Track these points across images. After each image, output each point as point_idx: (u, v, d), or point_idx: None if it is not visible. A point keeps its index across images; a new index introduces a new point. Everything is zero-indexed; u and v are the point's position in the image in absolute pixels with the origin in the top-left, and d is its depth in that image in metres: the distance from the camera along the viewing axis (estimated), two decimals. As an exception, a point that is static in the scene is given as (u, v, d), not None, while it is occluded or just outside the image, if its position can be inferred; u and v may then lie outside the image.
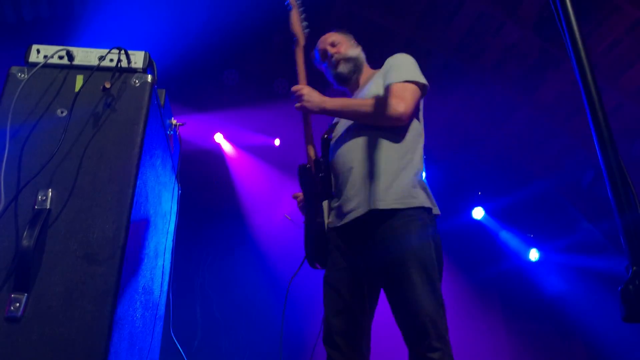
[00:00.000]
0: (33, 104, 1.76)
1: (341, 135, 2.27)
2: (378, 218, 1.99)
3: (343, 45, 2.51)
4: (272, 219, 5.68)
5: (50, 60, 1.82)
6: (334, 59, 2.46)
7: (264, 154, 5.81)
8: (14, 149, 1.67)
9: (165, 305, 2.27)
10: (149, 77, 1.84)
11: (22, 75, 1.79)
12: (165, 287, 2.24)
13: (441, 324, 1.87)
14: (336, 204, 2.17)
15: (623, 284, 0.83)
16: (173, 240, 2.32)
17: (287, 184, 5.82)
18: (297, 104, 2.21)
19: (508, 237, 5.94)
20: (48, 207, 1.61)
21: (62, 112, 1.76)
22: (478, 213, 5.86)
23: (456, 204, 5.78)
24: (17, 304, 1.49)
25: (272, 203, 5.78)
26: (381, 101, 2.10)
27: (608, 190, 0.86)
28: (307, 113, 2.27)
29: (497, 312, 5.75)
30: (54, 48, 1.85)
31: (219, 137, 5.70)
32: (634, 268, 0.82)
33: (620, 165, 0.85)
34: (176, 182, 2.37)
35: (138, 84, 1.82)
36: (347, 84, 2.48)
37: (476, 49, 4.99)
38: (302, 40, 2.43)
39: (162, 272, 2.19)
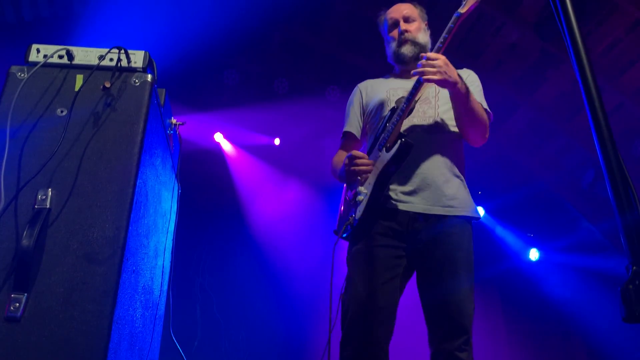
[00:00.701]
0: (33, 104, 1.76)
1: (422, 120, 2.22)
2: (440, 217, 2.11)
3: (416, 26, 2.37)
4: (272, 218, 5.68)
5: (50, 60, 1.82)
6: (403, 36, 2.33)
7: (264, 153, 5.81)
8: (13, 149, 1.67)
9: (165, 305, 2.27)
10: (149, 77, 1.84)
11: (22, 74, 1.79)
12: (165, 287, 2.23)
13: (472, 327, 2.02)
14: (396, 188, 2.15)
15: (623, 284, 0.83)
16: (173, 240, 2.32)
17: (287, 183, 5.82)
18: (434, 76, 1.95)
19: (508, 237, 5.93)
20: (48, 206, 1.61)
21: (62, 112, 1.76)
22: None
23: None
24: (17, 304, 1.49)
25: (272, 202, 5.78)
26: (485, 120, 2.21)
27: (608, 190, 0.86)
28: (438, 85, 2.04)
29: (497, 312, 5.75)
30: (54, 47, 1.85)
31: (218, 137, 5.70)
32: (634, 268, 0.82)
33: (620, 164, 0.85)
34: (176, 181, 2.37)
35: (138, 84, 1.82)
36: (402, 65, 2.39)
37: (476, 49, 4.99)
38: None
39: (162, 271, 2.19)
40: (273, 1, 4.71)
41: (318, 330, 4.99)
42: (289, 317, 5.35)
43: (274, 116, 5.50)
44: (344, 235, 2.20)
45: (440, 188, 2.14)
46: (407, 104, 2.08)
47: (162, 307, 2.23)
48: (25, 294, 1.51)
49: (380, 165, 2.09)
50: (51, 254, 1.56)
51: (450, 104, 2.20)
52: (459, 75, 2.03)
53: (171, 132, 2.26)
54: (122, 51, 1.83)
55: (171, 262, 2.35)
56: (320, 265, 5.47)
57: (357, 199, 2.14)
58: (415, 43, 2.34)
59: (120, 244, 1.59)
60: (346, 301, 2.10)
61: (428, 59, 1.98)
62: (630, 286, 0.81)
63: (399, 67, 2.42)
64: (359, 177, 2.16)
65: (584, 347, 5.47)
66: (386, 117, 2.19)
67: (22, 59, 1.85)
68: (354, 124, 2.47)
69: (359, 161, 2.15)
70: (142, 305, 1.91)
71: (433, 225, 2.11)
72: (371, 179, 2.12)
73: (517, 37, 4.70)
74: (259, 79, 5.54)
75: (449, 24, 2.04)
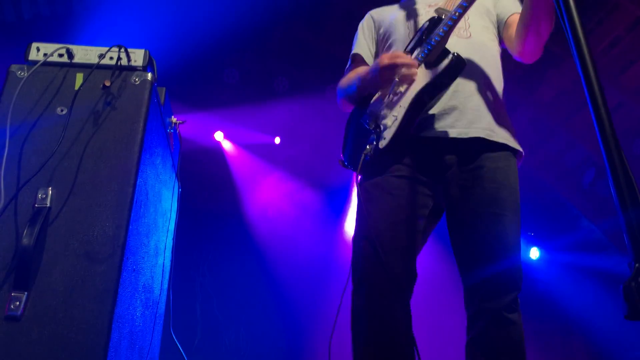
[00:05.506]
0: (33, 102, 1.75)
1: (457, 37, 1.91)
2: (479, 145, 1.79)
3: None
4: (272, 217, 5.68)
5: (50, 58, 1.82)
6: None
7: (264, 152, 5.81)
8: (13, 147, 1.67)
9: (166, 304, 2.27)
10: (149, 75, 1.84)
11: (21, 73, 1.79)
12: (166, 286, 2.23)
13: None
14: (431, 112, 1.81)
15: (626, 281, 0.83)
16: (173, 239, 2.32)
17: (287, 182, 5.82)
18: None
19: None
20: (48, 205, 1.61)
21: (62, 110, 1.75)
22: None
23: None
24: (17, 303, 1.49)
25: (271, 201, 5.79)
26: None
27: (611, 187, 0.85)
28: None
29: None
30: (54, 46, 1.85)
31: (219, 136, 5.70)
32: (637, 265, 0.82)
33: (623, 161, 0.85)
34: (176, 180, 2.36)
35: (138, 82, 1.82)
36: None
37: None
38: None
39: (162, 270, 2.19)
40: (273, 0, 4.71)
41: (317, 328, 4.99)
42: (288, 315, 5.35)
43: (274, 115, 5.50)
44: (360, 167, 1.82)
45: (479, 109, 1.82)
46: (462, 12, 1.73)
47: (162, 305, 2.23)
48: (26, 293, 1.51)
49: (420, 82, 1.74)
50: (51, 252, 1.56)
51: (482, 18, 1.97)
52: None
53: (171, 130, 2.26)
54: (122, 50, 1.83)
55: (171, 260, 2.35)
56: (320, 264, 5.48)
57: (380, 123, 1.80)
58: None
59: (120, 243, 1.59)
60: (357, 241, 1.78)
61: None
62: (633, 283, 0.81)
63: None
64: (397, 83, 1.78)
65: (584, 345, 5.47)
66: (422, 28, 1.84)
67: (22, 57, 1.85)
68: (363, 47, 2.20)
69: (403, 60, 1.74)
70: (143, 304, 1.91)
71: (471, 157, 1.77)
72: (403, 99, 1.76)
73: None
74: (259, 77, 5.54)
75: None
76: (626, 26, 4.24)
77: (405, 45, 1.91)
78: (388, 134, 1.76)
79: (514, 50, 1.97)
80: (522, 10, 1.86)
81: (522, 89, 5.11)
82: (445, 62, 1.70)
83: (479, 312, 1.67)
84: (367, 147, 1.80)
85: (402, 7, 2.18)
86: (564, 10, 0.96)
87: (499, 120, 1.87)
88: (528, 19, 1.80)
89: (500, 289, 1.66)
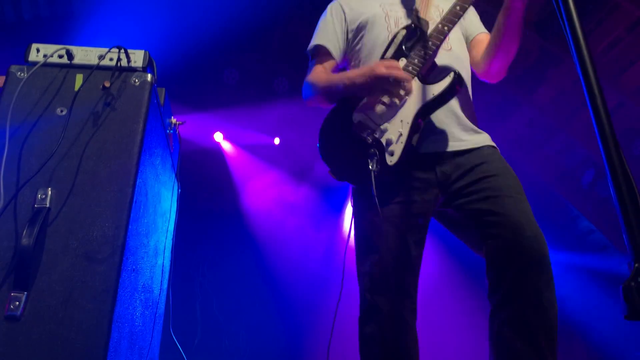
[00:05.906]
0: (33, 103, 1.76)
1: (447, 48, 1.92)
2: (469, 152, 1.81)
3: None
4: (271, 217, 5.68)
5: (50, 59, 1.82)
6: None
7: (264, 152, 5.82)
8: (13, 148, 1.67)
9: (165, 304, 2.27)
10: (149, 76, 1.84)
11: (21, 74, 1.79)
12: (165, 286, 2.23)
13: None
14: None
15: (625, 281, 0.83)
16: (173, 239, 2.32)
17: (286, 182, 5.82)
18: None
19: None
20: (47, 205, 1.61)
21: (61, 111, 1.75)
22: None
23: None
24: (17, 303, 1.49)
25: (271, 202, 5.79)
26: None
27: (610, 186, 0.86)
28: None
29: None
30: (54, 47, 1.85)
31: (218, 136, 5.71)
32: (636, 265, 0.82)
33: (622, 160, 0.85)
34: (176, 180, 2.37)
35: (138, 83, 1.82)
36: None
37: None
38: None
39: (162, 270, 2.19)
40: (273, 0, 4.71)
41: (318, 328, 4.99)
42: (288, 315, 5.36)
43: (274, 115, 5.51)
44: (375, 189, 1.70)
45: (464, 121, 1.86)
46: (452, 26, 1.76)
47: (162, 305, 2.23)
48: (25, 293, 1.51)
49: (420, 98, 1.72)
50: (51, 253, 1.56)
51: (458, 31, 1.96)
52: None
53: (171, 131, 2.26)
54: (122, 51, 1.83)
55: (171, 261, 2.35)
56: (320, 263, 5.48)
57: (380, 138, 1.74)
58: None
59: (119, 243, 1.59)
60: (365, 272, 1.75)
61: None
62: (632, 283, 0.81)
63: None
64: (389, 99, 1.75)
65: (584, 345, 5.47)
66: (401, 36, 1.82)
67: (22, 58, 1.85)
68: (330, 39, 2.07)
69: (401, 75, 1.68)
70: (142, 304, 1.91)
71: (465, 161, 1.78)
72: (403, 114, 1.73)
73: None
74: (258, 78, 5.54)
75: None
76: (626, 26, 4.24)
77: (383, 51, 1.87)
78: (396, 151, 1.71)
79: (479, 69, 2.01)
80: (493, 32, 1.91)
81: (522, 89, 5.11)
82: (448, 80, 1.72)
83: (511, 293, 1.62)
84: (370, 163, 1.71)
85: (379, 3, 2.06)
86: (564, 11, 0.97)
87: (478, 126, 1.93)
88: (499, 40, 1.87)
89: (536, 266, 1.61)
